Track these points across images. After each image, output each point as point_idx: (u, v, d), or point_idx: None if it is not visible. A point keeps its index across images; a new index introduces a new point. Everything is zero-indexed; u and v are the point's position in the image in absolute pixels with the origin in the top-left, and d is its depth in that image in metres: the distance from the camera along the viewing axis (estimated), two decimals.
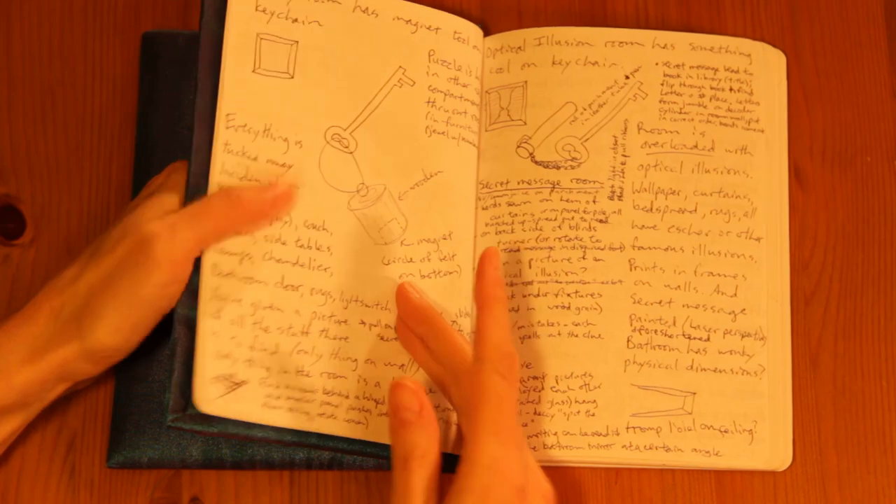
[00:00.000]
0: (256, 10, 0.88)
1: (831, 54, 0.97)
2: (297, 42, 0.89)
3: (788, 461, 0.90)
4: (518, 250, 0.91)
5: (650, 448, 0.88)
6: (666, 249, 0.91)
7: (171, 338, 0.83)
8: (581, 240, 0.91)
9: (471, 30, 0.94)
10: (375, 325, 0.88)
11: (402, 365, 0.88)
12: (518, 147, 0.93)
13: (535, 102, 0.94)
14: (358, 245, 0.89)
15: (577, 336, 0.90)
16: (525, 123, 0.93)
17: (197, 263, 0.84)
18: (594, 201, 0.92)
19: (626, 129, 0.93)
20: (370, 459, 0.88)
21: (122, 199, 0.93)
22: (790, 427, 0.90)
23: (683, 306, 0.90)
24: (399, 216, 0.90)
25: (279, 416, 0.84)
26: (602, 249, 0.91)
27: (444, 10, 0.93)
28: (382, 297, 0.88)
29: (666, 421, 0.89)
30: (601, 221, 0.91)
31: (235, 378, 0.84)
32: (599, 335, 0.90)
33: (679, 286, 0.90)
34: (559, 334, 0.90)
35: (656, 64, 0.94)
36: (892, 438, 0.91)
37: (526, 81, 0.94)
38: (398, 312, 0.87)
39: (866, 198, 0.95)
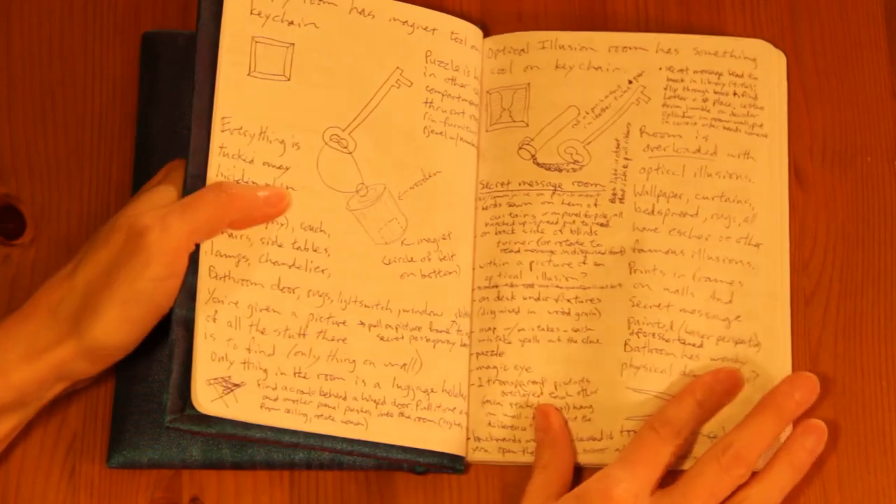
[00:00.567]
0: (251, 13, 0.88)
1: (831, 54, 0.97)
2: (293, 44, 0.89)
3: None
4: (518, 251, 0.91)
5: None
6: (666, 252, 0.91)
7: (168, 338, 0.84)
8: (582, 244, 0.91)
9: (469, 30, 0.94)
10: (375, 326, 0.88)
11: (404, 365, 0.88)
12: (520, 149, 0.93)
13: (537, 105, 0.94)
14: (357, 245, 0.89)
15: (576, 342, 0.90)
16: (527, 125, 0.93)
17: (194, 265, 0.84)
18: (595, 204, 0.92)
19: (628, 132, 0.93)
20: (370, 459, 0.88)
21: (122, 199, 0.93)
22: (790, 427, 0.90)
23: (680, 311, 0.90)
24: (399, 216, 0.90)
25: (277, 417, 0.84)
26: (602, 254, 0.91)
27: (444, 10, 0.93)
28: (382, 298, 0.88)
29: None
30: (602, 225, 0.91)
31: (233, 379, 0.84)
32: (598, 340, 0.90)
33: (678, 290, 0.90)
34: (559, 340, 0.90)
35: (660, 69, 0.94)
36: (892, 438, 0.91)
37: (529, 84, 0.94)
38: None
39: (866, 198, 0.95)
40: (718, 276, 0.90)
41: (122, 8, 0.97)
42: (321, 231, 0.88)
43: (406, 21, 0.92)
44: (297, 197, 0.87)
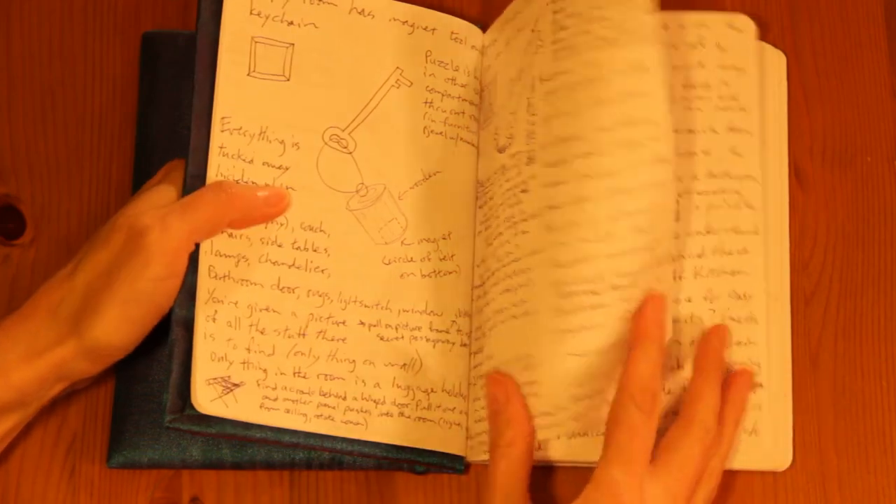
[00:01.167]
0: (251, 13, 0.88)
1: (831, 54, 0.97)
2: (293, 45, 0.89)
3: (788, 461, 0.90)
4: (492, 244, 0.89)
5: None
6: (576, 202, 0.82)
7: (168, 338, 0.84)
8: (513, 217, 0.87)
9: (469, 30, 0.94)
10: (375, 325, 0.88)
11: (404, 364, 0.88)
12: (492, 140, 0.92)
13: (501, 91, 0.92)
14: (357, 245, 0.89)
15: (517, 318, 0.86)
16: (495, 114, 0.92)
17: (194, 265, 0.84)
18: (518, 173, 0.87)
19: (533, 85, 0.87)
20: (370, 459, 0.88)
21: (122, 199, 0.93)
22: (790, 427, 0.90)
23: (606, 257, 0.82)
24: (399, 216, 0.90)
25: (277, 417, 0.84)
26: (526, 220, 0.86)
27: (444, 10, 0.93)
28: (383, 298, 0.88)
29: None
30: (523, 191, 0.86)
31: (232, 379, 0.84)
32: (533, 311, 0.85)
33: (596, 238, 0.82)
34: (504, 320, 0.87)
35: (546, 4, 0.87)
36: (892, 438, 0.91)
37: (497, 74, 0.93)
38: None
39: (866, 198, 0.95)
40: (636, 207, 0.83)
41: (122, 8, 0.97)
42: (321, 231, 0.88)
43: (406, 21, 0.92)
44: (296, 197, 0.87)
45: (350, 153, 0.89)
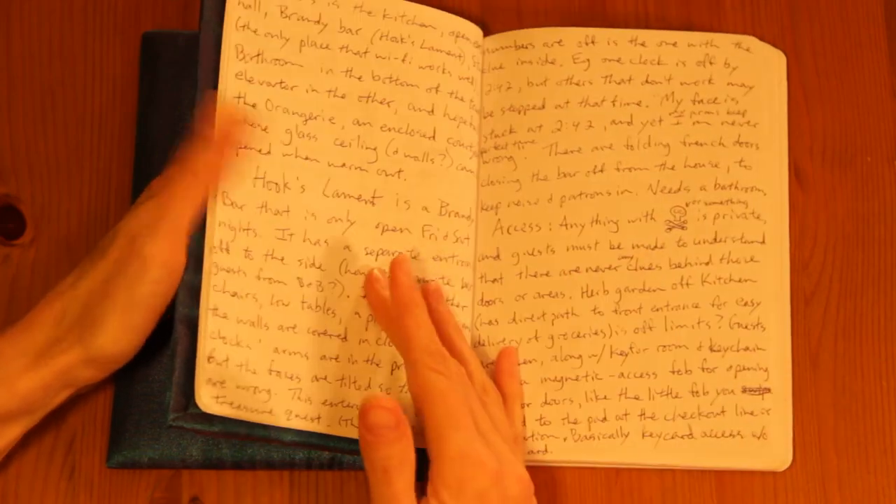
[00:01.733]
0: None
1: (831, 54, 0.97)
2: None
3: (788, 461, 0.90)
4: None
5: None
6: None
7: (171, 337, 0.83)
8: None
9: (469, 29, 0.94)
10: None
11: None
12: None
13: None
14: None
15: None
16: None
17: (196, 264, 0.84)
18: None
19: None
20: None
21: (122, 199, 0.93)
22: (790, 427, 0.90)
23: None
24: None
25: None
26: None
27: (444, 10, 0.93)
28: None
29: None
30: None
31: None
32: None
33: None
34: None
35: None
36: (892, 438, 0.91)
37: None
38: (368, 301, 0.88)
39: (866, 198, 0.95)
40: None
41: (122, 8, 0.97)
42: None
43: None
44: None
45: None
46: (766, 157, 0.93)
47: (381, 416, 0.79)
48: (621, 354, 0.89)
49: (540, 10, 0.97)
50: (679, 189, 0.92)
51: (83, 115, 0.95)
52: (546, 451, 0.89)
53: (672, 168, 0.92)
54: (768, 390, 0.89)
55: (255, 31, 0.88)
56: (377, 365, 0.87)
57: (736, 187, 0.92)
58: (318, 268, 0.87)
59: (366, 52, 0.90)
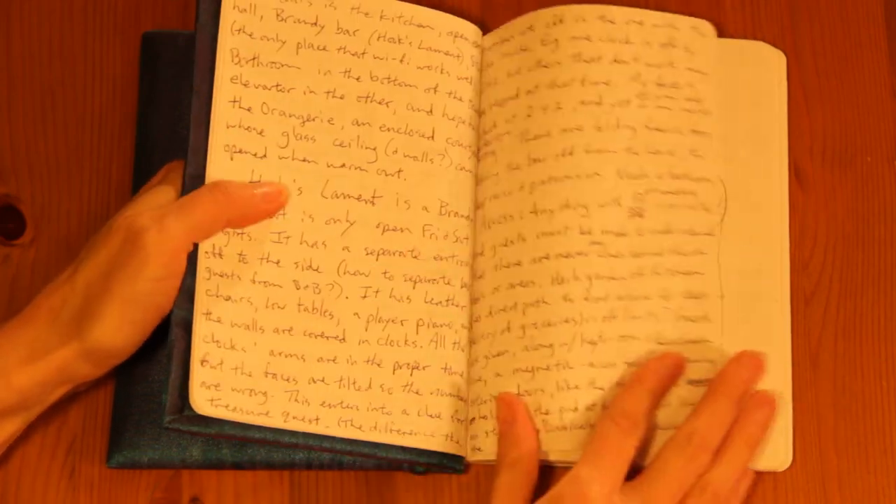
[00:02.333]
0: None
1: (831, 54, 0.97)
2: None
3: (788, 461, 0.89)
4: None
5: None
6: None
7: (167, 339, 0.84)
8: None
9: (468, 29, 0.94)
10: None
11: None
12: None
13: None
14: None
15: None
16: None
17: (194, 266, 0.84)
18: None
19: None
20: (370, 459, 0.88)
21: (122, 199, 0.93)
22: (790, 427, 0.90)
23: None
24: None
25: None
26: None
27: (443, 9, 0.93)
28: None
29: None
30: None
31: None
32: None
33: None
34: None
35: None
36: (892, 438, 0.91)
37: None
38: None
39: (866, 198, 0.95)
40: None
41: (122, 8, 0.97)
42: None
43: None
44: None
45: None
46: (723, 148, 0.92)
47: (499, 407, 0.87)
48: (591, 343, 0.88)
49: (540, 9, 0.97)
50: (640, 175, 0.90)
51: (83, 115, 0.95)
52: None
53: (636, 153, 0.91)
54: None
55: (250, 35, 0.88)
56: (378, 365, 0.87)
57: (689, 177, 0.91)
58: (316, 270, 0.87)
59: (363, 53, 0.90)
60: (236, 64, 0.87)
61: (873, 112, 0.96)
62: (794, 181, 0.94)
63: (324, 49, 0.90)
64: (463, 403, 0.89)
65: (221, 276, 0.85)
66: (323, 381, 0.86)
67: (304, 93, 0.89)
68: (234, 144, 0.86)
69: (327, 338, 0.87)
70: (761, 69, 0.95)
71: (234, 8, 0.88)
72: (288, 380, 0.85)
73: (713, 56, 0.93)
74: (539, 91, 0.92)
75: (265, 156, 0.87)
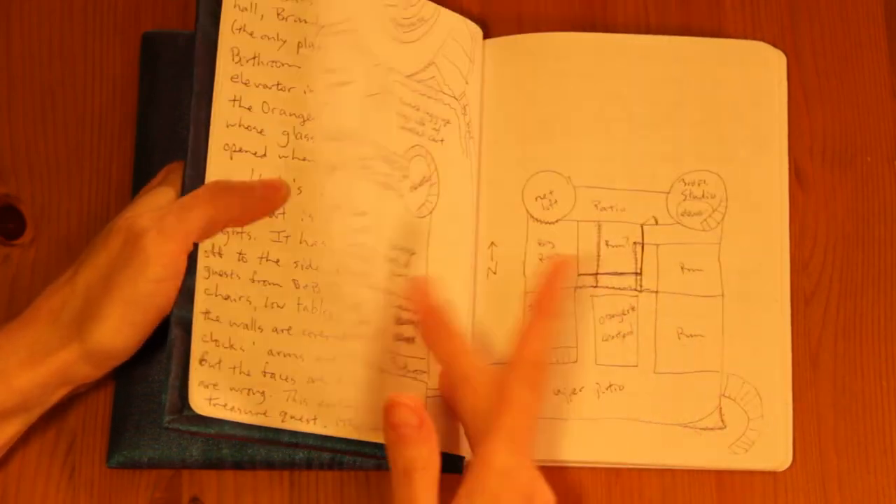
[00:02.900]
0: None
1: (831, 54, 0.97)
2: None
3: (788, 461, 0.90)
4: None
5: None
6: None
7: (167, 339, 0.84)
8: None
9: (470, 28, 0.94)
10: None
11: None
12: None
13: None
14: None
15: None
16: None
17: (193, 266, 0.84)
18: None
19: None
20: (370, 459, 0.88)
21: (122, 199, 0.93)
22: (790, 427, 0.90)
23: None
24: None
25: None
26: None
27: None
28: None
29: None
30: None
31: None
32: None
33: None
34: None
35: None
36: (892, 438, 0.91)
37: None
38: (415, 307, 0.87)
39: (866, 198, 0.95)
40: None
41: (122, 8, 0.97)
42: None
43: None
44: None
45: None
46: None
47: (405, 414, 0.80)
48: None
49: (540, 9, 0.97)
50: None
51: (83, 115, 0.95)
52: None
53: None
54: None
55: (251, 34, 0.88)
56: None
57: None
58: (315, 269, 0.87)
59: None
60: (236, 63, 0.87)
61: (873, 112, 0.96)
62: (794, 181, 0.94)
63: (324, 48, 0.90)
64: None
65: (220, 275, 0.85)
66: (322, 380, 0.86)
67: (305, 92, 0.89)
68: (233, 143, 0.86)
69: (326, 337, 0.87)
70: (761, 69, 0.95)
71: (234, 7, 0.88)
72: (286, 379, 0.85)
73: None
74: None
75: (265, 155, 0.87)
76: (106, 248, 0.83)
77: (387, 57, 0.90)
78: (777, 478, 0.90)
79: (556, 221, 0.93)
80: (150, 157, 0.93)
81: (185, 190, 0.85)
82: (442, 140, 0.91)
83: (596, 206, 0.93)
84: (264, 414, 0.84)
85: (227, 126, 0.87)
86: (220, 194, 0.84)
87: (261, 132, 0.87)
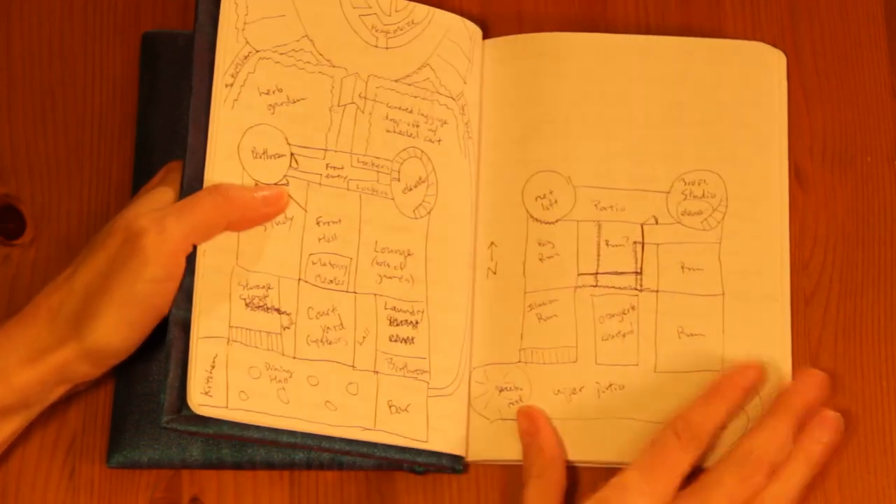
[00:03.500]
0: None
1: (831, 54, 0.97)
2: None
3: None
4: None
5: None
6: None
7: (166, 339, 0.84)
8: None
9: (469, 28, 0.94)
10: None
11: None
12: None
13: None
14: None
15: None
16: None
17: (192, 266, 0.84)
18: None
19: None
20: (370, 459, 0.88)
21: (122, 199, 0.93)
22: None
23: None
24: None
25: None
26: None
27: (443, 9, 0.94)
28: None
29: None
30: None
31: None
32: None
33: None
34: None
35: None
36: (892, 438, 0.91)
37: None
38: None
39: (866, 198, 0.95)
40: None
41: (122, 8, 0.97)
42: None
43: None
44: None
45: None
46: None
47: (520, 419, 0.88)
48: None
49: (540, 9, 0.97)
50: None
51: (83, 115, 0.95)
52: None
53: None
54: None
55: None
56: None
57: None
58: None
59: None
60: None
61: (873, 112, 0.96)
62: (794, 181, 0.94)
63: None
64: (463, 404, 0.89)
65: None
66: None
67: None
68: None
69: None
70: (761, 69, 0.95)
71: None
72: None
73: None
74: None
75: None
76: (105, 248, 0.83)
77: (366, 65, 0.90)
78: None
79: (556, 221, 0.92)
80: (150, 157, 0.93)
81: (184, 189, 0.85)
82: (439, 140, 0.91)
83: (596, 205, 0.92)
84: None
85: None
86: (221, 198, 0.84)
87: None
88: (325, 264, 0.87)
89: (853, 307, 0.93)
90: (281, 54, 0.88)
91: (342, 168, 0.89)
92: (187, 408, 0.83)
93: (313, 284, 0.87)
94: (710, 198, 0.93)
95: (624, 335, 0.91)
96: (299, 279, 0.86)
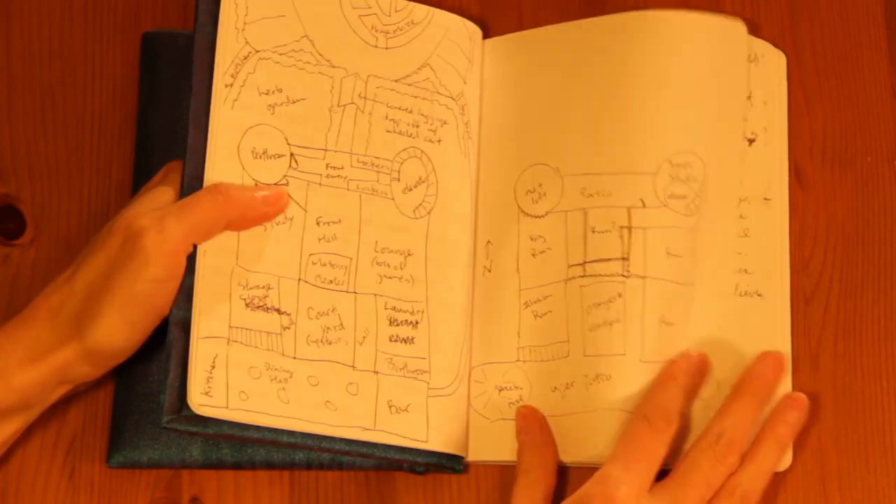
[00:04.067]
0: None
1: (831, 54, 0.97)
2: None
3: (788, 461, 0.89)
4: None
5: None
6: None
7: (166, 339, 0.84)
8: None
9: (468, 28, 0.94)
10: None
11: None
12: None
13: None
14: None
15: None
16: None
17: (192, 266, 0.84)
18: None
19: None
20: (370, 459, 0.88)
21: (122, 199, 0.93)
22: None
23: None
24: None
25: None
26: None
27: (443, 9, 0.94)
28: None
29: None
30: None
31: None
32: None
33: None
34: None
35: None
36: (892, 438, 0.91)
37: None
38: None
39: (866, 198, 0.95)
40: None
41: (122, 8, 0.97)
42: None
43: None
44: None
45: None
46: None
47: (517, 418, 0.89)
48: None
49: (540, 8, 0.97)
50: None
51: (83, 115, 0.95)
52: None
53: None
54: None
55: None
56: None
57: None
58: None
59: None
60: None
61: (873, 112, 0.96)
62: (794, 181, 0.94)
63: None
64: (463, 404, 0.89)
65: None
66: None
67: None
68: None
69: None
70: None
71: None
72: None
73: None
74: None
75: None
76: (105, 248, 0.83)
77: (365, 66, 0.90)
78: (777, 477, 0.90)
79: (546, 214, 0.92)
80: (150, 157, 0.93)
81: (184, 189, 0.85)
82: (439, 141, 0.91)
83: (582, 192, 0.91)
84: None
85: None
86: (221, 198, 0.84)
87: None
88: (325, 264, 0.87)
89: (853, 307, 0.93)
90: (281, 54, 0.88)
91: (342, 168, 0.89)
92: (187, 408, 0.83)
93: (313, 284, 0.87)
94: (693, 182, 0.91)
95: (611, 324, 0.89)
96: (299, 279, 0.87)
